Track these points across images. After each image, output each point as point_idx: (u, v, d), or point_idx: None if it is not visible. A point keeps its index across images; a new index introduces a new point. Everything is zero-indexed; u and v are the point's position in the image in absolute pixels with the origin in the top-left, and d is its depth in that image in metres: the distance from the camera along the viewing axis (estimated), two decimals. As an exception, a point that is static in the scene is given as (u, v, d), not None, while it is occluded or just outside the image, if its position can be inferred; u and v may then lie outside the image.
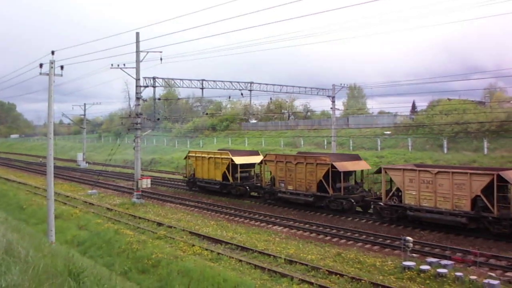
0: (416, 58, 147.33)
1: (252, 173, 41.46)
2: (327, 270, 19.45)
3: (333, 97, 48.60)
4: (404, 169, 27.91)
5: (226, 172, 40.20)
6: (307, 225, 29.23)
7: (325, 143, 58.53)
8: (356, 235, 26.39)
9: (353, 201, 31.11)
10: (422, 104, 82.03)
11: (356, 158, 34.38)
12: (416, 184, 26.70)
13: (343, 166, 31.81)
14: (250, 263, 21.01)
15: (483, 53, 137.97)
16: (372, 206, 30.24)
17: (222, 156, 40.70)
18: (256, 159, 40.73)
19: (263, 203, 37.01)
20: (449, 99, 62.56)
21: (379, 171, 29.99)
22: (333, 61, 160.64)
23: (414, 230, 26.81)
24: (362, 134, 58.51)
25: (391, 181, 29.11)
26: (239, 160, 39.57)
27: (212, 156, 42.03)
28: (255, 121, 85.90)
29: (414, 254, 21.38)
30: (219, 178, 41.04)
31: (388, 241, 24.75)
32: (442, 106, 59.29)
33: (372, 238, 25.61)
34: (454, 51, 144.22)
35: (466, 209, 24.47)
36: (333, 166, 31.36)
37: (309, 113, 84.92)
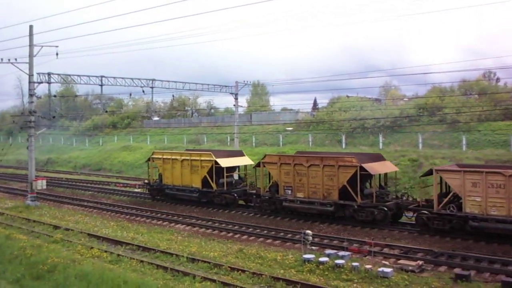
0: (319, 57, 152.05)
1: (236, 177, 35.33)
2: (229, 267, 19.39)
3: (236, 94, 48.93)
4: (464, 171, 23.14)
5: (208, 177, 33.33)
6: (209, 222, 29.14)
7: (228, 140, 58.80)
8: (258, 230, 26.66)
9: (386, 209, 25.75)
10: (323, 101, 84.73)
11: (380, 157, 29.28)
12: (482, 188, 22.34)
13: (374, 168, 26.74)
14: (152, 263, 20.49)
15: (379, 54, 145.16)
16: (414, 216, 25.40)
17: (202, 158, 33.87)
18: (243, 160, 35.17)
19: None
20: (348, 96, 65.02)
21: (429, 173, 25.45)
22: (237, 58, 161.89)
23: (314, 223, 27.57)
24: (265, 131, 59.35)
25: (448, 185, 24.93)
26: (224, 162, 32.96)
27: (187, 158, 34.76)
28: (157, 118, 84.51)
29: (313, 247, 21.94)
30: (197, 184, 33.99)
31: (289, 235, 25.21)
32: (342, 103, 61.60)
33: (273, 233, 25.96)
34: (353, 51, 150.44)
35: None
36: (362, 169, 26.07)
37: (212, 110, 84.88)
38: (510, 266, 18.84)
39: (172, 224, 29.55)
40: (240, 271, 18.86)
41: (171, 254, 21.75)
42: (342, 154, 31.33)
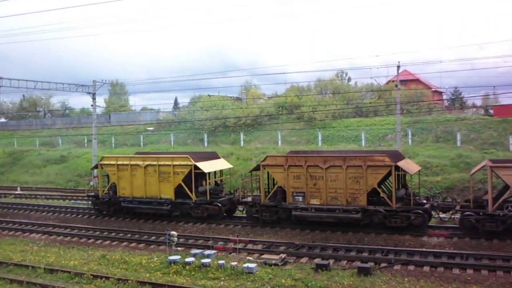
0: (180, 56, 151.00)
1: (212, 184, 29.43)
2: (91, 275, 18.40)
3: (94, 94, 46.66)
4: None
5: (183, 185, 27.33)
6: (68, 229, 27.43)
7: (86, 141, 56.19)
8: (121, 234, 25.65)
9: (421, 212, 23.21)
10: (184, 101, 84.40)
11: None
12: None
13: (408, 166, 24.58)
14: (4, 278, 18.79)
15: (240, 53, 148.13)
16: (458, 219, 23.34)
17: (176, 163, 27.60)
18: (222, 163, 29.82)
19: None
20: (209, 96, 65.44)
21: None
22: (95, 57, 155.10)
23: (178, 224, 27.22)
24: (125, 131, 57.66)
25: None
26: (206, 166, 27.45)
27: (154, 163, 28.12)
28: (4, 120, 78.33)
29: (179, 248, 21.64)
30: (168, 194, 27.82)
31: (153, 237, 24.61)
32: (203, 102, 61.84)
33: (137, 236, 25.17)
34: (215, 51, 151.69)
35: None
36: (397, 168, 23.43)
37: (67, 111, 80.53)
38: (364, 252, 20.15)
39: (26, 234, 27.33)
40: (104, 279, 18.00)
41: (27, 266, 20.17)
42: (365, 152, 28.09)
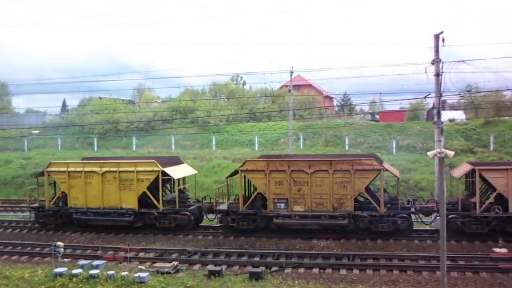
0: (71, 57, 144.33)
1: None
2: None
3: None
4: (510, 169, 21.62)
5: (148, 193, 25.11)
6: None
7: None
8: (1, 247, 23.82)
9: (407, 216, 23.34)
10: (73, 103, 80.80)
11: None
12: None
13: (393, 170, 24.88)
14: None
15: (134, 55, 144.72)
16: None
17: (140, 169, 25.09)
18: (187, 169, 27.73)
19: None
20: (100, 98, 63.28)
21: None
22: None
23: (65, 234, 25.89)
24: (7, 135, 54.13)
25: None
26: (175, 172, 25.66)
27: (114, 169, 25.39)
28: None
29: (66, 259, 20.56)
30: (130, 204, 25.19)
31: (38, 248, 23.15)
32: (93, 105, 59.65)
33: (19, 248, 23.53)
34: (107, 52, 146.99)
35: None
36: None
37: None
38: (256, 257, 20.33)
39: None
40: (-22, 297, 16.62)
41: None
42: (353, 156, 27.93)
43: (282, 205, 23.61)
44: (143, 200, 25.39)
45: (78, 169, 26.09)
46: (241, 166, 24.54)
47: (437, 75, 24.78)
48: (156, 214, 24.99)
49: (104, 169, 25.62)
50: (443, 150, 13.13)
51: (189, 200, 27.09)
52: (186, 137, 48.43)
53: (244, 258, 20.31)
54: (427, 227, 24.51)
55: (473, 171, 22.70)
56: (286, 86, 47.86)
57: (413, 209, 23.92)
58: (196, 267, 19.67)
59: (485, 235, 22.19)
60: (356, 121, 53.83)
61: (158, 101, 65.16)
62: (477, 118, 50.37)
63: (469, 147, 40.88)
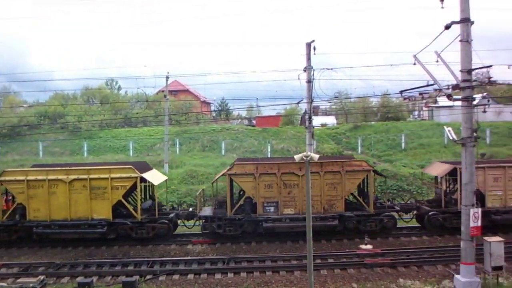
0: None
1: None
2: None
3: None
4: (486, 167, 24.10)
5: (124, 202, 23.80)
6: None
7: None
8: None
9: (392, 215, 24.47)
10: None
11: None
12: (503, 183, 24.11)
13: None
14: None
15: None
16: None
17: (115, 175, 23.28)
18: (160, 175, 26.50)
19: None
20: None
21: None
22: None
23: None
24: None
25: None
26: (153, 178, 24.64)
27: (83, 176, 23.29)
28: None
29: None
30: (103, 214, 23.27)
31: None
32: None
33: None
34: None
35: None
36: (376, 173, 25.06)
37: None
38: (130, 266, 19.69)
39: None
40: None
41: None
42: (341, 157, 28.84)
43: (272, 209, 23.49)
44: (116, 209, 23.93)
45: (39, 178, 23.44)
46: (228, 170, 23.86)
47: (309, 81, 25.76)
48: (130, 224, 23.38)
49: (72, 176, 23.37)
50: (308, 153, 13.60)
51: (164, 207, 25.96)
52: (55, 143, 45.88)
53: (117, 268, 19.61)
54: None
55: (454, 169, 24.01)
56: (162, 91, 47.15)
57: (397, 208, 25.20)
58: (65, 280, 18.61)
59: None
60: (232, 126, 54.49)
61: (25, 105, 61.10)
62: (347, 123, 53.27)
63: (339, 150, 43.11)
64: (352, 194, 24.63)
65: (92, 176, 23.27)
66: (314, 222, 22.40)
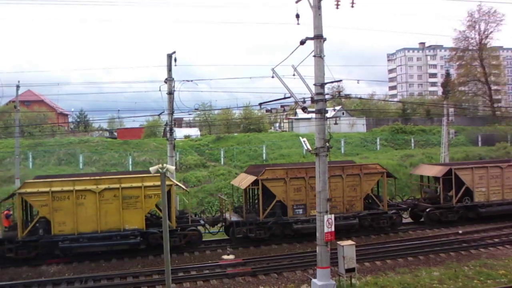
0: None
1: None
2: None
3: None
4: (473, 167, 28.91)
5: (157, 210, 24.19)
6: None
7: None
8: None
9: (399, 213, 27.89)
10: None
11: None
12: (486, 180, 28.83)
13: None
14: None
15: None
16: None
17: (148, 183, 22.73)
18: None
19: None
20: None
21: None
22: None
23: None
24: None
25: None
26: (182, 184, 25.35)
27: (115, 185, 22.43)
28: None
29: None
30: (136, 224, 22.64)
31: None
32: None
33: None
34: None
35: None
36: (388, 175, 27.67)
37: None
38: None
39: None
40: None
41: None
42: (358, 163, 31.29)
43: (300, 211, 25.14)
44: (148, 219, 23.78)
45: (66, 189, 22.18)
46: (260, 175, 24.64)
47: (170, 93, 25.66)
48: (176, 231, 23.46)
49: (102, 186, 22.50)
50: (165, 165, 13.52)
51: (187, 214, 25.24)
52: None
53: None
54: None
55: (450, 170, 28.11)
56: (13, 101, 43.79)
57: (404, 206, 28.71)
58: None
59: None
60: (91, 138, 52.33)
61: None
62: (210, 134, 53.67)
63: (202, 162, 43.24)
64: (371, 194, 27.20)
65: (124, 185, 22.74)
66: (338, 222, 23.57)
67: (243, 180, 25.81)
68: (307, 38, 16.28)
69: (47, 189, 22.09)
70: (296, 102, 18.20)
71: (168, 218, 22.62)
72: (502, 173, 28.99)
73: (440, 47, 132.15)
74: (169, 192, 22.62)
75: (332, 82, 17.16)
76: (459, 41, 77.51)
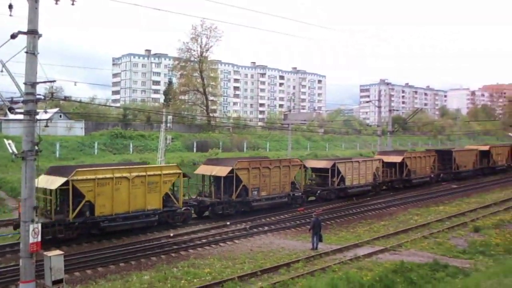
0: None
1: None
2: None
3: None
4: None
5: (170, 194, 28.90)
6: None
7: None
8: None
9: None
10: None
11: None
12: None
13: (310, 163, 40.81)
14: None
15: None
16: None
17: (165, 172, 28.53)
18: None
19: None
20: None
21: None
22: None
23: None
24: None
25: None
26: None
27: (143, 173, 27.30)
28: None
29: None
30: (155, 205, 27.60)
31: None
32: None
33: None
34: None
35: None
36: (306, 166, 37.99)
37: None
38: None
39: None
40: None
41: None
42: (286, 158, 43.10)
43: (255, 192, 32.77)
44: (165, 199, 28.23)
45: (107, 176, 25.70)
46: (235, 166, 31.61)
47: None
48: (172, 211, 28.43)
49: (134, 174, 26.61)
50: None
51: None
52: None
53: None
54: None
55: (334, 164, 39.07)
56: None
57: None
58: None
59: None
60: None
61: None
62: None
63: None
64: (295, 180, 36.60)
65: (149, 173, 27.36)
66: (276, 200, 34.14)
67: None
68: (20, 32, 15.02)
69: (93, 177, 25.09)
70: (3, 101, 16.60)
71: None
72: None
73: (165, 55, 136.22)
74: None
75: (44, 82, 16.14)
76: (182, 51, 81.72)
